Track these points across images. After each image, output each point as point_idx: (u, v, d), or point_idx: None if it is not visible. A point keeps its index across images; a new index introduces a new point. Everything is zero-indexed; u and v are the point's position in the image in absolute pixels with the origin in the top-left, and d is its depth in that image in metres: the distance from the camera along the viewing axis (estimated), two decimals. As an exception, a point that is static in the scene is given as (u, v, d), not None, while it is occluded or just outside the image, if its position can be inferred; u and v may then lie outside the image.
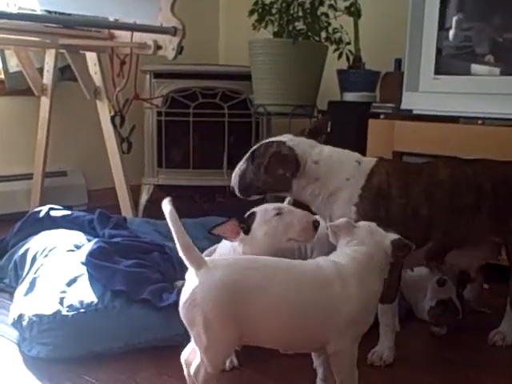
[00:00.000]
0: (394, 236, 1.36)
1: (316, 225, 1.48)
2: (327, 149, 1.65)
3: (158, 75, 3.29)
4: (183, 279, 1.55)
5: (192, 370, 1.25)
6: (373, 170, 1.62)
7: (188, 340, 1.63)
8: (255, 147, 1.69)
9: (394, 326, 1.65)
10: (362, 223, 1.41)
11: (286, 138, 1.68)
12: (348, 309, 1.27)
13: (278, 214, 1.49)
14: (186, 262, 1.24)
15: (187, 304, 1.22)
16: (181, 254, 1.24)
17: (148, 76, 3.30)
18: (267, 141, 1.70)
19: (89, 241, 1.90)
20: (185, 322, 1.25)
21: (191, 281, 1.23)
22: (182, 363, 1.32)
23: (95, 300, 1.63)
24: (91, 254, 1.74)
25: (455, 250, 1.74)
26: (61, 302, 1.61)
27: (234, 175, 1.71)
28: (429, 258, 1.73)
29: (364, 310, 1.31)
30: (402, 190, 1.60)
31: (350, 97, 2.95)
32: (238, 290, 1.22)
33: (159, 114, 3.31)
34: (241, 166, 1.70)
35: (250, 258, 1.36)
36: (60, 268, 1.75)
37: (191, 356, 1.30)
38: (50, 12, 2.67)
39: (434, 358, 1.69)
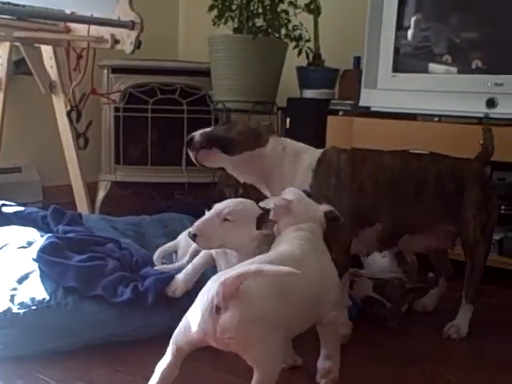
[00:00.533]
0: (325, 208, 1.49)
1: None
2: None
3: (115, 70, 3.25)
4: (142, 264, 1.54)
5: None
6: (326, 149, 1.77)
7: (144, 335, 1.63)
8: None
9: (345, 303, 1.73)
10: (291, 194, 1.50)
11: None
12: (331, 282, 1.41)
13: None
14: (216, 294, 1.16)
15: (239, 330, 1.16)
16: (225, 280, 1.15)
17: (106, 71, 3.25)
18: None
19: (42, 237, 1.85)
20: (240, 349, 1.19)
21: (234, 311, 1.16)
22: (159, 379, 1.25)
23: (47, 297, 1.59)
24: (43, 250, 1.69)
25: (407, 235, 1.78)
26: (11, 299, 1.56)
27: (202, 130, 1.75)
28: (381, 242, 1.77)
29: (337, 280, 1.44)
30: (351, 165, 1.71)
31: (309, 94, 2.96)
32: (278, 292, 1.22)
33: (117, 109, 3.27)
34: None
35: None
36: (11, 265, 1.70)
37: (174, 373, 1.26)
38: (3, 3, 2.61)
39: (390, 351, 1.69)
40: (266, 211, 1.45)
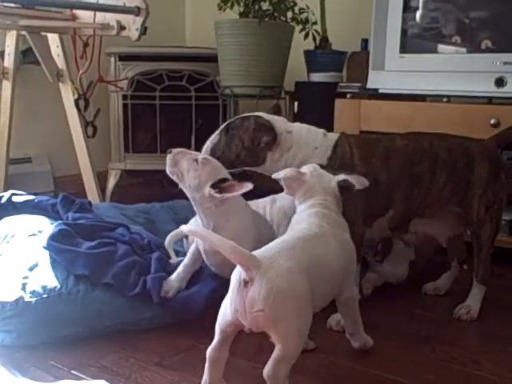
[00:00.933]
0: (339, 177, 1.50)
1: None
2: (297, 123, 1.77)
3: (122, 58, 3.25)
4: (153, 248, 1.63)
5: (269, 372, 1.17)
6: (337, 142, 1.72)
7: (155, 323, 1.64)
8: (230, 121, 1.76)
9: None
10: (307, 168, 1.52)
11: (259, 114, 1.75)
12: (352, 256, 1.46)
13: None
14: (241, 267, 1.18)
15: (268, 302, 1.16)
16: (232, 259, 1.17)
17: (113, 59, 3.25)
18: (242, 115, 1.75)
19: (52, 225, 1.86)
20: (269, 322, 1.18)
21: (261, 282, 1.16)
22: (209, 361, 1.28)
23: (58, 285, 1.60)
24: (52, 238, 1.70)
25: (418, 218, 1.79)
26: (23, 288, 1.57)
27: (204, 149, 1.73)
28: (393, 227, 1.78)
29: (355, 254, 1.49)
30: (363, 159, 1.69)
31: (316, 77, 2.94)
32: (307, 267, 1.24)
33: (125, 97, 3.27)
34: (213, 139, 1.74)
35: (290, 240, 1.33)
36: (22, 253, 1.71)
37: (221, 355, 1.27)
38: (9, -8, 2.60)
39: (400, 333, 1.70)
40: (224, 179, 1.55)
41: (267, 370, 1.17)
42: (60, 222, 1.84)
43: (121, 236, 1.83)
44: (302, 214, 1.46)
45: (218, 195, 1.53)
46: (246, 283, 1.17)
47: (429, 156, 1.73)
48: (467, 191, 1.77)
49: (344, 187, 1.49)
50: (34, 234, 1.81)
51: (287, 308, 1.18)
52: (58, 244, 1.68)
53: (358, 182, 1.49)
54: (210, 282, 1.69)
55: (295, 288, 1.20)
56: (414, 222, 1.81)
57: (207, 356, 1.27)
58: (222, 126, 1.74)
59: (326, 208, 1.45)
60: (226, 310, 1.22)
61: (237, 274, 1.20)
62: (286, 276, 1.19)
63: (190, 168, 1.57)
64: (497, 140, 1.84)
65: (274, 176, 1.50)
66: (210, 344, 1.55)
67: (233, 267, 1.24)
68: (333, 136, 1.74)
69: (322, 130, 1.75)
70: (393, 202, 1.71)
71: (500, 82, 2.24)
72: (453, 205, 1.79)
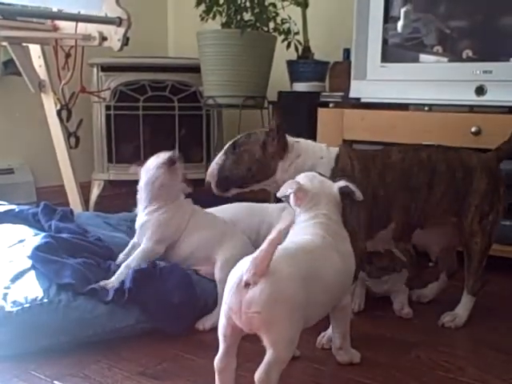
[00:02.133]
0: (340, 183, 1.50)
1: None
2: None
3: (105, 68, 3.25)
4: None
5: (260, 376, 1.18)
6: (338, 154, 1.73)
7: (137, 331, 1.63)
8: (235, 139, 1.75)
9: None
10: (304, 176, 1.52)
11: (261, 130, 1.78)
12: (351, 268, 1.46)
13: None
14: (251, 266, 1.18)
15: (266, 305, 1.17)
16: (256, 255, 1.18)
17: (95, 69, 3.25)
18: (245, 133, 1.77)
19: (35, 234, 1.84)
20: (263, 325, 1.19)
21: (263, 285, 1.17)
22: (217, 372, 1.27)
23: (40, 294, 1.58)
24: (38, 248, 1.69)
25: (419, 229, 1.79)
26: (4, 298, 1.55)
27: (210, 171, 1.73)
28: (396, 238, 1.78)
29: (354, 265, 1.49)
30: (363, 172, 1.70)
31: (299, 87, 2.96)
32: (305, 277, 1.25)
33: (108, 107, 3.27)
34: (218, 159, 1.74)
35: (292, 249, 1.34)
36: (3, 264, 1.69)
37: (229, 364, 1.27)
38: (-11, 3, 2.60)
39: (386, 339, 1.70)
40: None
41: (259, 374, 1.18)
42: (46, 234, 1.83)
43: (105, 269, 1.82)
44: (306, 224, 1.45)
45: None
46: (246, 284, 1.17)
47: (426, 169, 1.73)
48: (464, 201, 1.76)
49: (345, 193, 1.49)
50: (15, 244, 1.79)
51: (283, 313, 1.19)
52: (43, 254, 1.67)
53: (358, 191, 1.50)
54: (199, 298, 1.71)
55: (293, 295, 1.21)
56: (415, 233, 1.81)
57: (215, 367, 1.26)
58: (227, 147, 1.74)
59: (330, 219, 1.45)
60: (221, 313, 1.23)
61: (237, 274, 1.19)
62: (286, 282, 1.20)
63: None
64: (497, 153, 1.83)
65: (279, 195, 1.50)
66: (193, 353, 1.56)
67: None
68: (333, 149, 1.76)
69: (323, 144, 1.78)
70: (392, 214, 1.71)
71: (480, 91, 2.27)
72: (451, 215, 1.78)
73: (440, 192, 1.73)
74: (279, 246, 1.27)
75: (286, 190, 1.48)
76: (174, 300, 1.66)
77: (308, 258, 1.31)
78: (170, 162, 1.76)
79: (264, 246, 1.15)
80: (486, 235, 1.77)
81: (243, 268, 1.19)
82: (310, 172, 1.56)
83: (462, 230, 1.79)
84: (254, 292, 1.17)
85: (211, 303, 1.75)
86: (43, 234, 1.85)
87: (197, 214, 1.86)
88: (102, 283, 1.68)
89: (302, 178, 1.52)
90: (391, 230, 1.74)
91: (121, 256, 1.85)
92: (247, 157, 1.71)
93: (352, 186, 1.49)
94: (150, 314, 1.65)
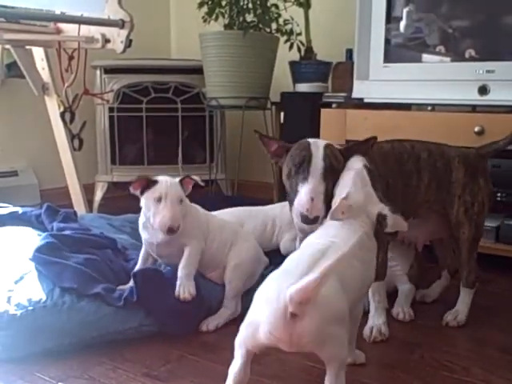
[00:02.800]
0: (383, 210, 1.44)
1: None
2: None
3: (108, 70, 3.26)
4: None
5: None
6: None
7: (141, 333, 1.63)
8: (321, 167, 1.53)
9: (385, 303, 1.73)
10: (353, 182, 1.48)
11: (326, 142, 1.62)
12: (371, 278, 1.45)
13: None
14: (288, 299, 1.11)
15: (318, 333, 1.15)
16: (303, 285, 1.10)
17: (98, 71, 3.26)
18: (314, 145, 1.57)
19: (38, 236, 1.85)
20: (316, 348, 1.18)
21: (312, 316, 1.14)
22: (234, 381, 1.23)
23: (44, 297, 1.58)
24: (39, 250, 1.69)
25: (411, 219, 1.77)
26: (8, 300, 1.56)
27: (312, 206, 1.49)
28: None
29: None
30: (378, 169, 1.65)
31: (302, 87, 2.96)
32: (340, 292, 1.23)
33: (111, 109, 3.28)
34: (316, 188, 1.50)
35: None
36: (7, 266, 1.70)
37: (246, 375, 1.24)
38: (-7, 6, 2.60)
39: (388, 339, 1.69)
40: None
41: None
42: (47, 234, 1.83)
43: (108, 261, 1.83)
44: (338, 229, 1.40)
45: None
46: (293, 316, 1.12)
47: (413, 156, 1.77)
48: (448, 191, 1.79)
49: (379, 221, 1.44)
50: (18, 246, 1.79)
51: (334, 332, 1.18)
52: (44, 256, 1.67)
53: (394, 223, 1.45)
54: (203, 300, 1.71)
55: (342, 312, 1.21)
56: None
57: (232, 378, 1.22)
58: (320, 171, 1.52)
59: (362, 228, 1.42)
60: (259, 334, 1.17)
61: (280, 304, 1.12)
62: (333, 306, 1.19)
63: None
64: (477, 150, 1.86)
65: (331, 217, 1.42)
66: (198, 354, 1.56)
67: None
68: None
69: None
70: (394, 202, 1.69)
71: (483, 90, 2.26)
72: (438, 205, 1.81)
73: (426, 178, 1.76)
74: (307, 258, 1.25)
75: (338, 212, 1.42)
76: (178, 302, 1.66)
77: (342, 270, 1.25)
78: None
79: (315, 277, 1.09)
80: (473, 225, 1.80)
81: (284, 297, 1.11)
82: (360, 173, 1.51)
83: (449, 221, 1.81)
84: (304, 325, 1.13)
85: (216, 305, 1.76)
86: (44, 234, 1.85)
87: (211, 218, 1.87)
88: (120, 287, 1.69)
89: (356, 163, 1.52)
90: None
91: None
92: (335, 176, 1.55)
93: (390, 218, 1.43)
94: (154, 316, 1.65)
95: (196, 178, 1.73)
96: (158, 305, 1.65)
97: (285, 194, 1.68)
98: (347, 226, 1.41)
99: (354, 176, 1.51)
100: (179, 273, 1.69)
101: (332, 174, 1.52)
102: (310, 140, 1.59)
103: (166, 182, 1.68)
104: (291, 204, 1.56)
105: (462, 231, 1.79)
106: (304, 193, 1.49)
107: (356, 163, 1.56)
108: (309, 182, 1.50)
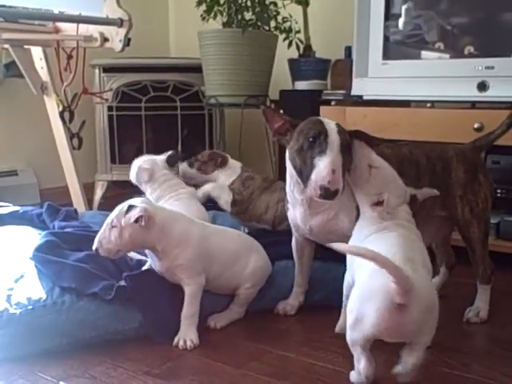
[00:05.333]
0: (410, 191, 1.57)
1: None
2: None
3: (107, 69, 3.26)
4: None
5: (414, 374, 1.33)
6: None
7: (141, 333, 1.63)
8: (339, 138, 1.48)
9: None
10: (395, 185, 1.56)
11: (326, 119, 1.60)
12: None
13: None
14: (395, 291, 1.23)
15: (423, 321, 1.28)
16: (392, 276, 1.22)
17: (97, 70, 3.25)
18: (325, 121, 1.53)
19: (39, 235, 1.85)
20: (417, 336, 1.30)
21: (417, 306, 1.25)
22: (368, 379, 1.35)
23: (43, 296, 1.58)
24: (38, 249, 1.69)
25: None
26: (8, 299, 1.56)
27: (333, 179, 1.44)
28: None
29: None
30: None
31: (301, 85, 2.95)
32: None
33: (110, 108, 3.27)
34: (336, 161, 1.46)
35: (406, 253, 1.37)
36: (7, 264, 1.70)
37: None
38: (-10, 6, 2.60)
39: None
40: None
41: (412, 373, 1.32)
42: (47, 232, 1.83)
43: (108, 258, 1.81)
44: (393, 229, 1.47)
45: None
46: (399, 306, 1.23)
47: (412, 163, 1.75)
48: (448, 193, 1.78)
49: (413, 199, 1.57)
50: (19, 245, 1.79)
51: (434, 318, 1.31)
52: (43, 255, 1.67)
53: (423, 194, 1.63)
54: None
55: (436, 299, 1.32)
56: None
57: (365, 379, 1.34)
58: (339, 144, 1.47)
59: (410, 223, 1.52)
60: (366, 328, 1.28)
61: (387, 297, 1.24)
62: (432, 293, 1.31)
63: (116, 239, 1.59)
64: (474, 143, 1.86)
65: (381, 215, 1.49)
66: (199, 353, 1.56)
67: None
68: None
69: None
70: None
71: (482, 87, 2.26)
72: (438, 209, 1.80)
73: (425, 185, 1.74)
74: (392, 248, 1.36)
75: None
76: (165, 312, 1.64)
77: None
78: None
79: (415, 267, 1.27)
80: (482, 222, 1.79)
81: (390, 289, 1.22)
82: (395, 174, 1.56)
83: (457, 223, 1.80)
84: (410, 313, 1.24)
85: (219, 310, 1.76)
86: (45, 232, 1.85)
87: (209, 235, 1.73)
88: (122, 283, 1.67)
89: (392, 180, 1.55)
90: None
91: None
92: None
93: (418, 194, 1.60)
94: (145, 320, 1.63)
95: None
96: (145, 311, 1.63)
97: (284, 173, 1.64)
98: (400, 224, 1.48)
99: (392, 171, 1.55)
100: (182, 313, 1.61)
101: (347, 149, 1.50)
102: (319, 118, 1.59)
103: None
104: (305, 179, 1.49)
105: (473, 231, 1.78)
106: (324, 165, 1.44)
107: (380, 160, 1.57)
108: (327, 154, 1.45)
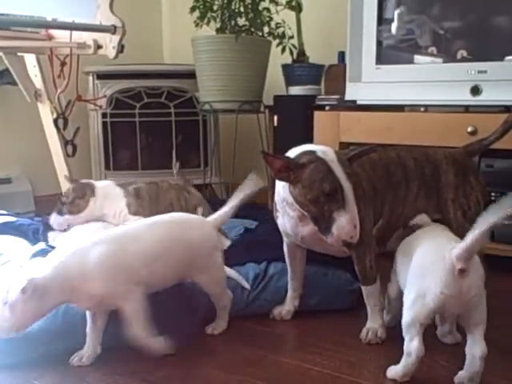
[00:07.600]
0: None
1: None
2: None
3: (101, 76, 3.26)
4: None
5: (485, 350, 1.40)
6: None
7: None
8: (351, 187, 1.48)
9: (381, 305, 1.71)
10: None
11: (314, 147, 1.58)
12: None
13: None
14: (460, 257, 1.33)
15: (480, 287, 1.38)
16: (468, 243, 1.33)
17: (91, 77, 3.26)
18: (332, 165, 1.50)
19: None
20: (476, 305, 1.38)
21: (476, 269, 1.36)
22: (417, 359, 1.38)
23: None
24: (35, 255, 1.69)
25: (400, 230, 1.76)
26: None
27: (356, 233, 1.48)
28: (378, 236, 1.73)
29: None
30: (366, 172, 1.68)
31: (295, 90, 2.97)
32: None
33: (104, 115, 3.28)
34: (356, 215, 1.49)
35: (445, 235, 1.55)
36: (2, 273, 1.69)
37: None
38: (-17, 13, 2.60)
39: (386, 340, 1.69)
40: None
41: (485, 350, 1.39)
42: (42, 243, 1.83)
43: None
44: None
45: None
46: (460, 271, 1.32)
47: (399, 166, 1.74)
48: (440, 196, 1.76)
49: None
50: (14, 252, 1.79)
51: (483, 291, 1.39)
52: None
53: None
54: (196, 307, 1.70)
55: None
56: (395, 235, 1.80)
57: (415, 358, 1.37)
58: (352, 199, 1.48)
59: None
60: (427, 300, 1.34)
61: (448, 264, 1.33)
62: (480, 263, 1.40)
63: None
64: (465, 148, 1.84)
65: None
66: (195, 359, 1.55)
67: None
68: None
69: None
70: (383, 211, 1.71)
71: (476, 91, 2.27)
72: (431, 212, 1.78)
73: (415, 188, 1.73)
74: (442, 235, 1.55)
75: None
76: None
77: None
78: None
79: (475, 235, 1.31)
80: None
81: (451, 256, 1.33)
82: None
83: (449, 226, 1.78)
84: (471, 278, 1.34)
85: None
86: (40, 243, 1.85)
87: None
88: None
89: None
90: (376, 229, 1.71)
91: None
92: None
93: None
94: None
95: None
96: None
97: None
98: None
99: None
100: (133, 334, 1.51)
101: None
102: (319, 153, 1.51)
103: None
104: (323, 228, 1.50)
105: (466, 234, 1.78)
106: (346, 221, 1.46)
107: None
108: (347, 210, 1.46)
